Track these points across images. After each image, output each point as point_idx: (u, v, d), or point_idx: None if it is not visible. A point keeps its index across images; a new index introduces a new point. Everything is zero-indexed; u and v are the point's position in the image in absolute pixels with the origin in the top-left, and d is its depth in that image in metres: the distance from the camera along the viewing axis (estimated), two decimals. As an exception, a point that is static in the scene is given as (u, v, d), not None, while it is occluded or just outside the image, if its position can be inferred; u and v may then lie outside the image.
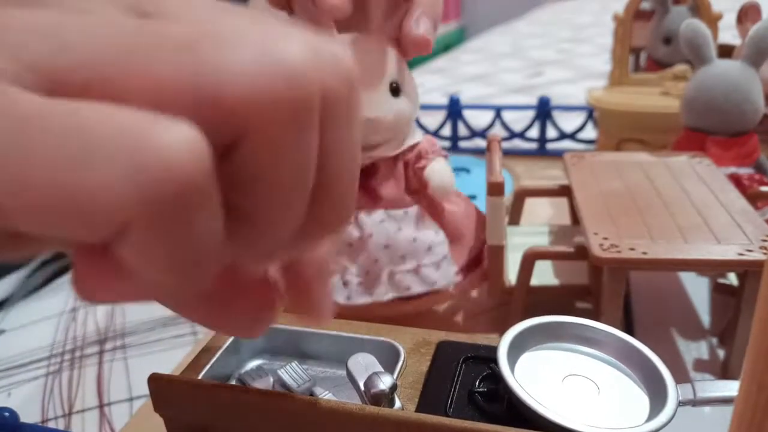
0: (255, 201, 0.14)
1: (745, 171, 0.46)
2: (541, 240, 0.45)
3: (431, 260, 0.37)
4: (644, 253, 0.32)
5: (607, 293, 0.34)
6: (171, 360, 0.39)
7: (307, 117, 0.14)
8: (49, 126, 0.11)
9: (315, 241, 0.17)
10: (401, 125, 0.36)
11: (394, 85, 0.33)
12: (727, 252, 0.32)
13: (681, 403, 0.21)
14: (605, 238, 0.34)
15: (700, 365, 0.37)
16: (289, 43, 0.13)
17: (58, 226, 0.12)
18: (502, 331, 0.23)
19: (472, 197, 0.59)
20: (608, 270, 0.33)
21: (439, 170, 0.37)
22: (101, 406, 0.37)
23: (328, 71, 0.14)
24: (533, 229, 0.47)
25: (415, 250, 0.37)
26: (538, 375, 0.22)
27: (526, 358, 0.23)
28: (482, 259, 0.40)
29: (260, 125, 0.13)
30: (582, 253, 0.36)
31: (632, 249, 0.32)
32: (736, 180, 0.44)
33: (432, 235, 0.37)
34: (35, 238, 0.13)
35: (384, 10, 0.31)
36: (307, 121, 0.14)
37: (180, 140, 0.11)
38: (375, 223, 0.36)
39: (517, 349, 0.23)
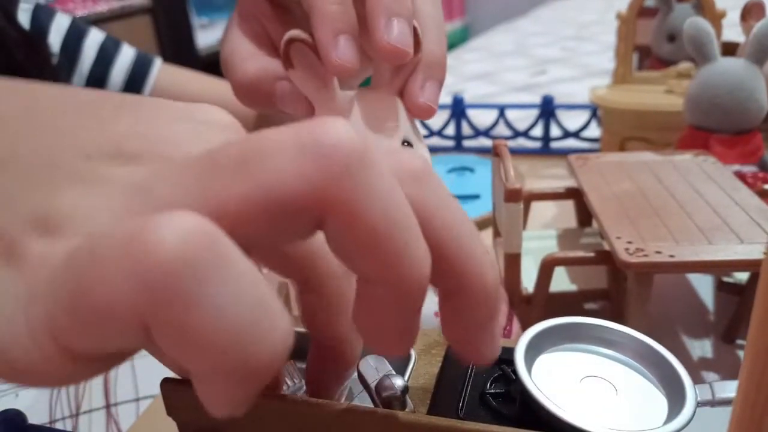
0: (369, 261, 0.15)
1: (749, 169, 0.46)
2: (550, 244, 0.45)
3: None
4: (671, 256, 0.32)
5: (634, 298, 0.33)
6: (177, 360, 0.40)
7: (362, 168, 0.14)
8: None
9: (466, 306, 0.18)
10: None
11: (407, 143, 0.31)
12: (753, 252, 0.32)
13: (699, 404, 0.21)
14: (629, 242, 0.33)
15: (704, 364, 0.37)
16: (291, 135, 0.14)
17: (98, 338, 0.13)
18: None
19: (476, 197, 0.59)
20: (635, 275, 0.33)
21: None
22: (108, 406, 0.37)
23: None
24: (541, 233, 0.46)
25: (439, 326, 0.32)
26: (555, 376, 0.22)
27: (543, 360, 0.23)
28: (511, 332, 0.37)
29: (327, 199, 0.14)
30: (603, 258, 0.36)
31: (658, 252, 0.32)
32: (740, 178, 0.43)
33: None
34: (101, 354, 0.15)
35: (391, 66, 0.28)
36: (366, 168, 0.14)
37: (173, 232, 0.12)
38: None
39: (533, 350, 0.23)
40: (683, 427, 0.19)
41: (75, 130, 0.17)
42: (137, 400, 0.37)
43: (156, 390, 0.38)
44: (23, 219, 0.15)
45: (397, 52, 0.26)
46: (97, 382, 0.39)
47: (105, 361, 0.15)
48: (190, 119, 0.18)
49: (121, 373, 0.39)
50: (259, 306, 0.13)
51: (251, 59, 0.29)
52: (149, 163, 0.16)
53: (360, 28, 0.26)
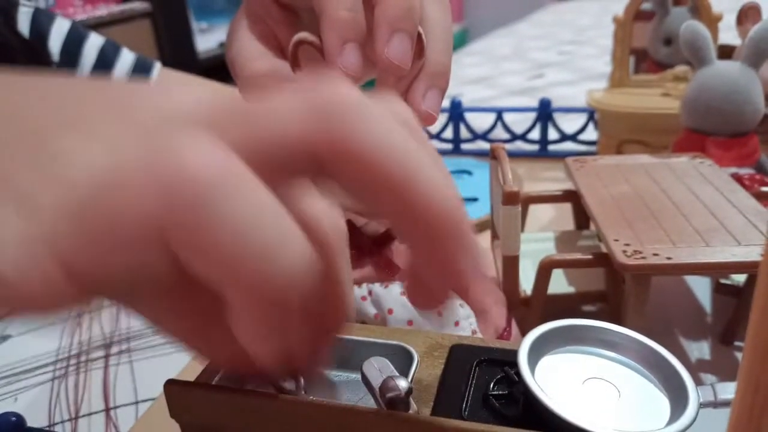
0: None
1: (746, 171, 0.46)
2: (548, 246, 0.45)
3: None
4: (668, 258, 0.32)
5: (632, 300, 0.33)
6: (177, 363, 0.40)
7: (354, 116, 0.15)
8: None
9: None
10: None
11: None
12: (750, 253, 0.32)
13: (702, 405, 0.21)
14: (627, 245, 0.33)
15: (702, 366, 0.37)
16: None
17: (112, 254, 0.14)
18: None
19: (474, 200, 0.60)
20: (632, 277, 0.33)
21: None
22: (107, 409, 0.37)
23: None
24: (539, 236, 0.46)
25: (441, 326, 0.33)
26: (558, 378, 0.22)
27: (546, 362, 0.23)
28: (510, 334, 0.36)
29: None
30: (601, 260, 0.36)
31: (656, 254, 0.32)
32: (737, 180, 0.44)
33: (458, 308, 0.34)
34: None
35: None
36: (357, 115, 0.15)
37: (195, 148, 0.13)
38: (394, 297, 0.33)
39: (536, 352, 0.23)
40: (686, 429, 0.20)
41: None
42: (136, 403, 0.37)
43: (155, 393, 0.38)
44: (29, 164, 0.15)
45: (393, 68, 0.26)
46: (96, 385, 0.39)
47: (106, 289, 0.15)
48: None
49: (121, 376, 0.39)
50: (277, 227, 0.14)
51: (260, 59, 0.30)
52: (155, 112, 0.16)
53: (368, 33, 0.27)
